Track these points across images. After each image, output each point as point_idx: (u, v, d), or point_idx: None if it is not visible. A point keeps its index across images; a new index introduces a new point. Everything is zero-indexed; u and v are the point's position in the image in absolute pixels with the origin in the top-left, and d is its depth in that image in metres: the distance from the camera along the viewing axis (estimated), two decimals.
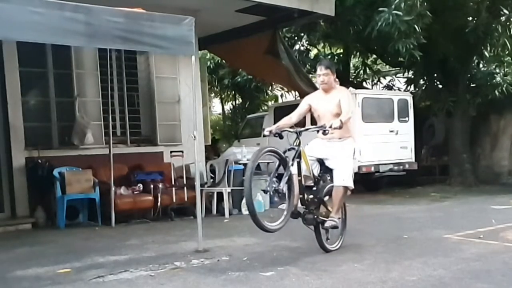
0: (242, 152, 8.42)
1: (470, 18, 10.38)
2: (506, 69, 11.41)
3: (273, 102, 17.99)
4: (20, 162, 7.64)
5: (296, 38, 13.89)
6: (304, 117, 6.56)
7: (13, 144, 7.61)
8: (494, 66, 11.51)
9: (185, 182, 8.03)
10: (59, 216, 7.36)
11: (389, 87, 14.95)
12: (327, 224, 4.87)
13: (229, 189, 8.06)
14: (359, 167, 9.81)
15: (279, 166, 4.63)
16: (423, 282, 3.91)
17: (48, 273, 4.63)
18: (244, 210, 7.72)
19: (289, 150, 4.68)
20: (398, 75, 15.24)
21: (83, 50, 8.14)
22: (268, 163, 7.94)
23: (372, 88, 15.12)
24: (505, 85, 10.87)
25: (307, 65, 13.34)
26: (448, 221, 6.86)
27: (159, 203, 7.71)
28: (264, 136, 5.08)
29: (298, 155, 4.69)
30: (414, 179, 11.65)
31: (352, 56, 14.59)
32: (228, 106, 19.84)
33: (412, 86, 13.10)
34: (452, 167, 11.61)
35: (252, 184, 4.37)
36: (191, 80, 6.59)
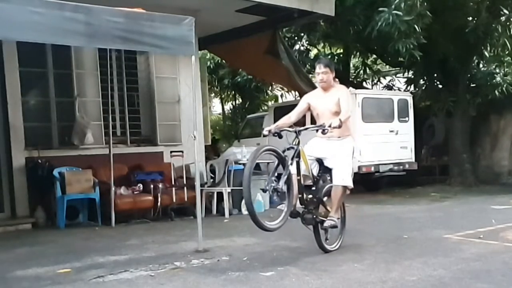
0: (242, 152, 8.42)
1: (470, 18, 10.38)
2: (506, 69, 11.41)
3: (273, 102, 17.99)
4: (20, 162, 7.64)
5: (296, 38, 13.89)
6: (304, 117, 6.55)
7: (13, 144, 7.61)
8: (494, 66, 11.51)
9: (185, 182, 8.03)
10: (59, 216, 7.36)
11: (389, 87, 14.95)
12: (326, 224, 4.86)
13: (229, 189, 8.06)
14: (359, 167, 9.82)
15: (278, 165, 4.62)
16: (423, 282, 3.91)
17: (48, 273, 4.63)
18: (244, 210, 7.72)
19: (288, 149, 4.67)
20: (398, 75, 15.24)
21: (83, 50, 8.14)
22: (268, 163, 7.94)
23: (372, 88, 15.12)
24: (505, 85, 10.88)
25: (307, 65, 13.34)
26: (448, 221, 6.86)
27: (159, 203, 7.71)
28: (264, 136, 5.07)
29: (297, 155, 4.68)
30: (414, 179, 11.65)
31: (352, 56, 14.59)
32: (228, 106, 19.84)
33: (412, 86, 13.10)
34: (452, 167, 11.61)
35: (252, 184, 4.37)
36: (191, 80, 6.59)
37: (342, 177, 4.88)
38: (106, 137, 8.10)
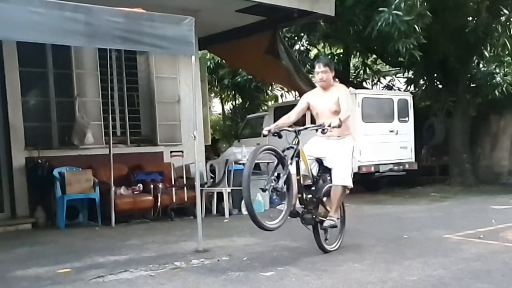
0: (242, 152, 8.42)
1: (470, 18, 10.38)
2: (506, 69, 11.41)
3: (273, 102, 17.99)
4: (20, 162, 7.64)
5: (296, 38, 13.89)
6: (304, 116, 6.53)
7: (13, 144, 7.61)
8: (494, 66, 11.51)
9: (185, 182, 8.03)
10: (59, 216, 7.36)
11: (389, 87, 14.95)
12: (325, 224, 4.85)
13: (229, 189, 8.06)
14: (359, 167, 9.82)
15: (277, 165, 4.61)
16: (423, 282, 3.91)
17: (48, 273, 4.63)
18: (244, 210, 7.72)
19: (287, 149, 4.66)
20: (398, 75, 15.24)
21: (83, 50, 8.14)
22: (268, 163, 7.94)
23: (372, 88, 15.12)
24: (505, 85, 10.88)
25: (307, 65, 13.34)
26: (448, 221, 6.86)
27: (159, 203, 7.71)
28: (264, 136, 5.06)
29: (297, 154, 4.67)
30: (414, 179, 11.65)
31: (352, 56, 14.58)
32: (228, 106, 19.84)
33: (412, 86, 13.10)
34: (452, 167, 11.61)
35: (252, 184, 4.36)
36: (191, 80, 6.59)
37: (342, 177, 4.88)
38: (106, 137, 8.10)
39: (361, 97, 10.17)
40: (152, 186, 7.77)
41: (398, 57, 10.78)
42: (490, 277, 4.00)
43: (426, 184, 11.58)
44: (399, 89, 14.34)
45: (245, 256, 4.97)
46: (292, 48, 13.26)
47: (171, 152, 8.52)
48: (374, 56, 14.25)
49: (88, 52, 8.23)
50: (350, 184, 4.94)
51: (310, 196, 4.90)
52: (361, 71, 15.05)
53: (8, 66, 7.56)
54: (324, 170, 5.02)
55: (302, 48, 14.31)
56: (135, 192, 7.79)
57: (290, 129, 4.83)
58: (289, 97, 17.91)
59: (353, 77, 14.77)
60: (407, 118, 10.91)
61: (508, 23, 9.91)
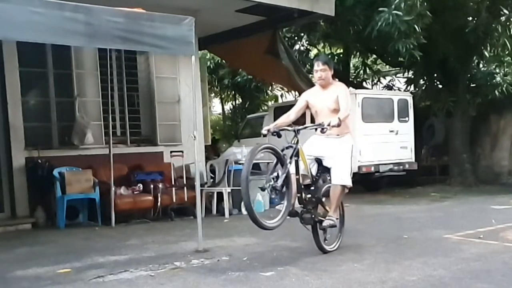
0: (242, 152, 8.41)
1: (470, 18, 10.38)
2: (506, 69, 11.41)
3: (273, 102, 17.99)
4: (20, 162, 7.64)
5: (296, 38, 13.89)
6: (304, 116, 6.52)
7: (13, 144, 7.61)
8: (494, 66, 11.51)
9: (185, 182, 8.03)
10: (59, 216, 7.36)
11: (389, 87, 14.96)
12: (324, 224, 4.84)
13: (229, 189, 8.06)
14: (359, 167, 9.83)
15: (276, 163, 4.60)
16: (423, 282, 3.91)
17: (48, 273, 4.63)
18: (244, 210, 7.71)
19: (287, 148, 4.65)
20: (398, 75, 15.24)
21: (83, 50, 8.14)
22: (268, 162, 7.94)
23: (372, 88, 15.12)
24: (505, 85, 10.88)
25: (307, 65, 13.34)
26: (448, 221, 6.86)
27: (159, 203, 7.71)
28: (264, 136, 5.05)
29: (296, 154, 4.66)
30: (414, 179, 11.65)
31: (352, 56, 14.58)
32: (228, 106, 19.84)
33: (412, 86, 13.10)
34: (452, 167, 11.61)
35: (252, 184, 4.35)
36: (191, 80, 6.59)
37: (341, 177, 4.87)
38: (106, 137, 8.10)
39: (361, 97, 10.18)
40: (152, 186, 7.77)
41: (398, 57, 10.78)
42: (490, 277, 4.00)
43: (426, 184, 11.59)
44: (399, 89, 14.34)
45: (245, 256, 4.97)
46: (292, 48, 13.26)
47: (171, 152, 8.52)
48: (374, 56, 14.25)
49: (88, 52, 8.23)
50: (349, 183, 4.93)
51: (309, 195, 4.89)
52: (361, 71, 15.06)
53: (8, 66, 7.56)
54: (324, 170, 5.02)
55: (302, 48, 14.31)
56: (135, 192, 7.79)
57: (289, 128, 4.82)
58: (289, 97, 17.91)
59: (353, 77, 14.77)
60: (407, 118, 10.91)
61: (508, 23, 9.91)
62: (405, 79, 13.90)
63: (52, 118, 8.06)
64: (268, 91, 18.37)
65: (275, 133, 4.83)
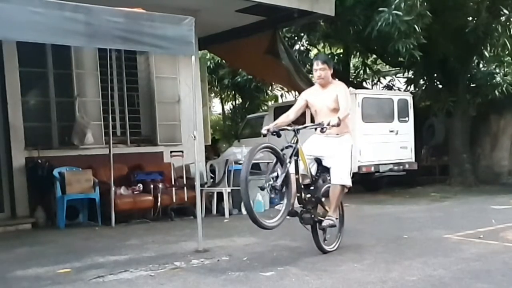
0: (242, 152, 8.41)
1: (470, 18, 10.38)
2: (506, 69, 11.41)
3: (273, 102, 17.99)
4: (20, 162, 7.64)
5: (296, 38, 13.89)
6: (304, 115, 6.51)
7: (13, 144, 7.61)
8: (494, 66, 11.51)
9: (185, 182, 8.03)
10: (59, 216, 7.36)
11: (389, 87, 14.95)
12: (324, 224, 4.84)
13: (229, 189, 8.06)
14: (359, 167, 9.83)
15: (276, 163, 4.60)
16: (423, 282, 3.91)
17: (48, 273, 4.63)
18: (244, 210, 7.72)
19: (286, 148, 4.64)
20: (398, 75, 15.24)
21: (83, 50, 8.14)
22: (268, 162, 7.94)
23: (372, 88, 15.12)
24: (505, 85, 10.88)
25: (307, 65, 13.33)
26: (448, 221, 6.86)
27: (159, 203, 7.71)
28: (264, 136, 5.05)
29: (296, 153, 4.65)
30: (414, 179, 11.65)
31: (352, 56, 14.58)
32: (228, 106, 19.84)
33: (412, 86, 13.10)
34: (452, 167, 11.61)
35: (252, 183, 4.35)
36: (191, 80, 6.59)
37: (340, 176, 4.86)
38: (106, 137, 8.10)
39: (361, 97, 10.18)
40: (152, 186, 7.77)
41: (398, 57, 10.78)
42: (490, 277, 4.00)
43: (426, 184, 11.58)
44: (399, 89, 14.34)
45: (245, 256, 4.97)
46: (292, 48, 13.26)
47: (171, 152, 8.52)
48: (374, 56, 14.25)
49: (88, 52, 8.23)
50: (349, 183, 4.92)
51: (308, 195, 4.88)
52: (361, 71, 15.05)
53: (8, 66, 7.56)
54: (323, 170, 5.01)
55: (302, 48, 14.31)
56: (135, 192, 7.79)
57: (289, 128, 4.82)
58: (289, 97, 17.91)
59: (353, 77, 14.77)
60: (407, 118, 10.91)
61: (508, 23, 9.91)
62: (405, 79, 13.90)
63: (52, 118, 8.06)
64: (268, 91, 18.36)
65: (274, 133, 4.82)
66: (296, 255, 4.93)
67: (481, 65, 11.95)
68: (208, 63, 15.94)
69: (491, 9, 9.96)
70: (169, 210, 7.81)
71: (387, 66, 15.41)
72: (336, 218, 4.99)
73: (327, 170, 4.98)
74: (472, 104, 11.68)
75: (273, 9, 8.83)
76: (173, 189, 7.93)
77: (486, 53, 11.05)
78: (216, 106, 22.26)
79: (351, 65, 15.16)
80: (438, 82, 12.12)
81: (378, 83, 15.48)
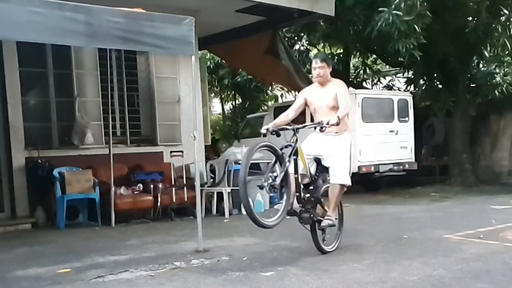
0: (242, 152, 8.39)
1: (470, 18, 10.38)
2: (506, 69, 11.41)
3: (273, 102, 17.99)
4: (20, 162, 7.64)
5: (296, 38, 13.89)
6: (304, 115, 6.50)
7: (13, 144, 7.61)
8: (494, 66, 11.51)
9: (185, 182, 8.03)
10: (59, 216, 7.36)
11: (389, 87, 14.95)
12: (323, 224, 4.83)
13: (229, 189, 8.06)
14: (359, 167, 9.83)
15: (275, 162, 4.60)
16: (423, 282, 3.91)
17: (48, 273, 4.63)
18: (244, 210, 7.72)
19: (286, 147, 4.64)
20: (398, 75, 15.24)
21: (83, 50, 8.14)
22: (268, 162, 7.94)
23: (372, 88, 15.12)
24: (505, 85, 10.88)
25: (307, 65, 13.32)
26: (448, 221, 6.86)
27: (159, 203, 7.71)
28: (264, 136, 5.05)
29: (295, 152, 4.64)
30: (414, 179, 11.65)
31: (352, 56, 14.58)
32: (228, 106, 19.84)
33: (412, 86, 13.10)
34: (452, 167, 11.61)
35: (252, 183, 4.34)
36: (191, 80, 6.59)
37: (340, 176, 4.85)
38: (106, 137, 8.10)
39: (361, 97, 10.18)
40: (152, 186, 7.77)
41: (398, 57, 10.78)
42: (490, 277, 4.00)
43: (426, 184, 11.58)
44: (399, 89, 14.34)
45: (245, 256, 4.97)
46: (292, 48, 13.26)
47: (171, 152, 8.52)
48: (374, 56, 14.24)
49: (88, 52, 8.23)
50: (348, 182, 4.91)
51: (308, 195, 4.87)
52: (361, 71, 15.05)
53: (8, 66, 7.56)
54: (323, 170, 5.00)
55: (302, 48, 14.31)
56: (135, 192, 7.79)
57: (288, 127, 4.81)
58: (289, 97, 17.91)
59: (353, 77, 14.77)
60: (407, 118, 10.91)
61: (508, 23, 9.91)
62: (405, 79, 13.90)
63: (52, 118, 8.06)
64: (268, 91, 18.37)
65: (274, 132, 4.81)
66: (296, 255, 4.93)
67: (481, 65, 11.95)
68: (208, 63, 15.95)
69: (491, 9, 9.96)
70: (169, 210, 7.81)
71: (387, 66, 15.41)
72: (336, 218, 4.99)
73: (326, 170, 4.97)
74: (472, 104, 11.68)
75: (273, 9, 8.83)
76: (173, 189, 7.93)
77: (486, 53, 11.05)
78: (216, 106, 22.26)
79: (351, 65, 15.15)
80: (438, 82, 12.12)
81: (378, 83, 15.48)
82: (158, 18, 5.01)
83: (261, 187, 4.52)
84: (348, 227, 5.45)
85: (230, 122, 18.99)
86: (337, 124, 4.65)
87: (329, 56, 14.19)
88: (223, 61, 15.47)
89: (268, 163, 7.97)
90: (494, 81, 11.13)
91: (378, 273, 4.17)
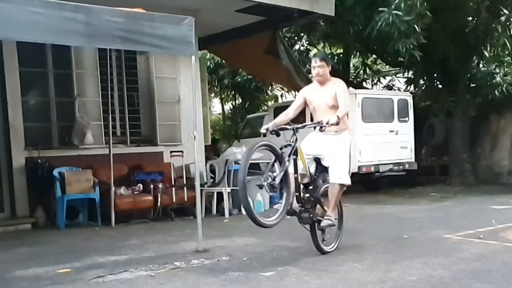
0: (242, 152, 8.39)
1: (470, 18, 10.38)
2: (506, 69, 11.41)
3: (273, 102, 17.99)
4: (20, 162, 7.64)
5: (296, 38, 13.89)
6: (304, 115, 6.49)
7: (13, 144, 7.61)
8: (494, 66, 11.51)
9: (185, 182, 8.03)
10: (59, 216, 7.36)
11: (389, 87, 14.95)
12: (323, 224, 4.82)
13: (229, 189, 8.06)
14: (359, 167, 9.83)
15: (275, 161, 4.59)
16: (423, 282, 3.91)
17: (48, 273, 4.63)
18: (244, 209, 7.71)
19: (285, 146, 4.63)
20: (398, 75, 15.24)
21: (83, 50, 8.14)
22: (268, 162, 7.94)
23: (372, 88, 15.12)
24: (505, 85, 10.88)
25: (307, 65, 13.32)
26: (448, 221, 6.86)
27: (159, 203, 7.71)
28: (264, 136, 5.04)
29: (295, 152, 4.64)
30: (414, 179, 11.65)
31: (352, 56, 14.58)
32: (228, 106, 19.85)
33: (412, 86, 13.10)
34: (452, 167, 11.61)
35: (252, 183, 4.34)
36: (191, 80, 6.59)
37: (339, 175, 4.84)
38: (106, 137, 8.10)
39: (361, 97, 10.18)
40: (152, 186, 7.77)
41: (398, 57, 10.78)
42: (490, 277, 4.00)
43: (426, 184, 11.58)
44: (399, 89, 14.34)
45: (245, 256, 4.97)
46: (292, 48, 13.26)
47: (171, 152, 8.52)
48: (374, 56, 14.24)
49: (88, 52, 8.23)
50: (347, 182, 4.90)
51: (307, 195, 4.86)
52: (361, 71, 15.05)
53: (8, 66, 7.56)
54: (323, 170, 4.99)
55: (302, 48, 14.30)
56: (135, 192, 7.79)
57: (288, 127, 4.81)
58: (289, 97, 17.90)
59: (353, 77, 14.77)
60: (407, 118, 10.91)
61: (508, 23, 9.91)
62: (405, 79, 13.90)
63: (52, 118, 8.06)
64: (268, 91, 18.36)
65: (274, 132, 4.81)
66: (296, 255, 4.93)
67: (481, 65, 11.95)
68: (208, 63, 15.95)
69: (491, 9, 9.96)
70: (169, 210, 7.81)
71: (387, 66, 15.41)
72: (335, 218, 4.98)
73: (326, 169, 4.97)
74: (472, 104, 11.68)
75: (273, 9, 8.83)
76: (173, 189, 7.94)
77: (486, 53, 11.05)
78: (216, 106, 22.26)
79: (351, 65, 15.15)
80: (438, 82, 12.12)
81: (378, 83, 15.48)
82: (158, 18, 5.01)
83: (261, 187, 4.51)
84: (348, 227, 5.45)
85: (230, 122, 18.99)
86: (337, 124, 4.64)
87: (329, 56, 14.22)
88: (223, 61, 15.47)
89: (268, 163, 8.00)
90: (494, 81, 11.13)
91: (378, 273, 4.17)
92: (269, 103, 17.46)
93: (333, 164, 4.88)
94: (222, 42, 11.05)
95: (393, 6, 8.85)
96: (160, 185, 7.77)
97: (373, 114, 10.34)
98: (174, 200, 7.87)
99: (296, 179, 4.68)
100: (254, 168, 6.68)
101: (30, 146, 7.70)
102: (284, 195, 4.63)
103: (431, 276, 4.07)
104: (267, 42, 10.47)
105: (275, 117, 10.37)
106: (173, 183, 8.05)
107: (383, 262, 4.56)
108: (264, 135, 4.96)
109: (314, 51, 15.18)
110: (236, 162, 8.26)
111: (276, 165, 4.58)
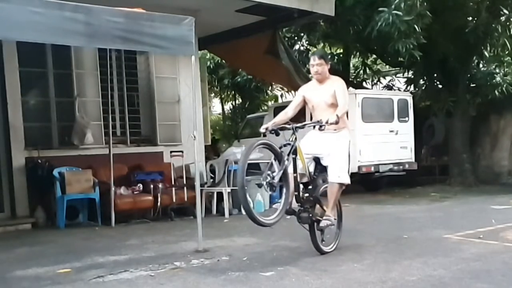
0: (242, 152, 8.41)
1: (470, 18, 10.38)
2: (506, 69, 11.41)
3: (273, 102, 17.99)
4: (20, 162, 7.64)
5: (296, 38, 13.89)
6: (304, 115, 6.48)
7: (13, 144, 7.61)
8: (494, 66, 11.52)
9: (185, 182, 8.03)
10: (59, 216, 7.36)
11: (389, 87, 14.95)
12: (322, 224, 4.80)
13: (229, 189, 8.06)
14: (359, 167, 9.83)
15: (274, 160, 4.58)
16: (423, 282, 3.91)
17: (48, 273, 4.63)
18: (243, 209, 7.71)
19: (284, 145, 4.62)
20: (398, 75, 15.24)
21: (83, 50, 8.14)
22: (267, 162, 7.94)
23: (372, 88, 15.12)
24: (505, 85, 10.88)
25: (307, 65, 13.31)
26: (448, 221, 6.86)
27: (159, 203, 7.71)
28: (264, 135, 5.04)
29: (294, 151, 4.63)
30: (414, 179, 11.64)
31: (352, 56, 14.58)
32: (228, 106, 19.85)
33: (412, 86, 13.10)
34: (452, 167, 11.61)
35: (252, 183, 4.33)
36: (191, 80, 6.58)
37: (338, 175, 4.83)
38: (106, 137, 8.10)
39: (361, 97, 10.18)
40: (152, 186, 7.77)
41: (398, 57, 10.78)
42: (490, 277, 4.00)
43: (426, 184, 11.58)
44: (399, 89, 14.34)
45: (245, 256, 4.97)
46: (292, 48, 13.25)
47: (171, 152, 8.52)
48: (374, 56, 14.24)
49: (88, 52, 8.23)
50: (347, 181, 4.88)
51: (307, 194, 4.85)
52: (361, 71, 15.04)
53: (8, 66, 7.56)
54: (322, 169, 4.98)
55: (302, 48, 14.29)
56: (135, 192, 7.79)
57: (288, 126, 4.80)
58: (289, 97, 17.89)
59: (353, 77, 14.76)
60: (407, 118, 10.91)
61: (508, 23, 9.92)
62: (405, 79, 13.89)
63: (52, 118, 8.06)
64: (268, 91, 18.36)
65: (273, 131, 4.80)
66: (296, 255, 4.93)
67: (481, 65, 11.95)
68: (208, 63, 15.95)
69: (491, 9, 9.96)
70: (169, 210, 7.81)
71: (387, 66, 15.40)
72: (335, 218, 4.97)
73: (325, 169, 4.95)
74: (472, 104, 11.68)
75: (273, 9, 8.83)
76: (173, 189, 7.94)
77: (486, 53, 11.05)
78: (216, 106, 22.26)
79: (351, 65, 15.15)
80: (438, 82, 12.12)
81: (378, 83, 15.47)
82: (158, 18, 5.01)
83: (260, 185, 4.49)
84: (348, 227, 5.44)
85: (230, 122, 18.99)
86: (336, 123, 4.63)
87: (329, 55, 14.20)
88: (223, 61, 15.47)
89: (268, 163, 7.99)
90: (494, 81, 11.13)
91: (378, 273, 4.17)
92: (269, 103, 17.46)
93: (332, 163, 4.87)
94: (222, 42, 11.05)
95: (393, 6, 8.85)
96: (160, 185, 7.78)
97: (373, 114, 10.34)
98: (174, 200, 7.87)
99: (295, 178, 4.66)
100: (254, 168, 6.68)
101: (30, 146, 7.70)
102: (283, 194, 4.62)
103: (431, 276, 4.07)
104: (267, 42, 10.48)
105: (275, 117, 10.40)
106: (173, 183, 8.05)
107: (383, 262, 4.56)
108: (264, 134, 4.95)
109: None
110: (236, 162, 8.25)
111: (275, 164, 4.56)
